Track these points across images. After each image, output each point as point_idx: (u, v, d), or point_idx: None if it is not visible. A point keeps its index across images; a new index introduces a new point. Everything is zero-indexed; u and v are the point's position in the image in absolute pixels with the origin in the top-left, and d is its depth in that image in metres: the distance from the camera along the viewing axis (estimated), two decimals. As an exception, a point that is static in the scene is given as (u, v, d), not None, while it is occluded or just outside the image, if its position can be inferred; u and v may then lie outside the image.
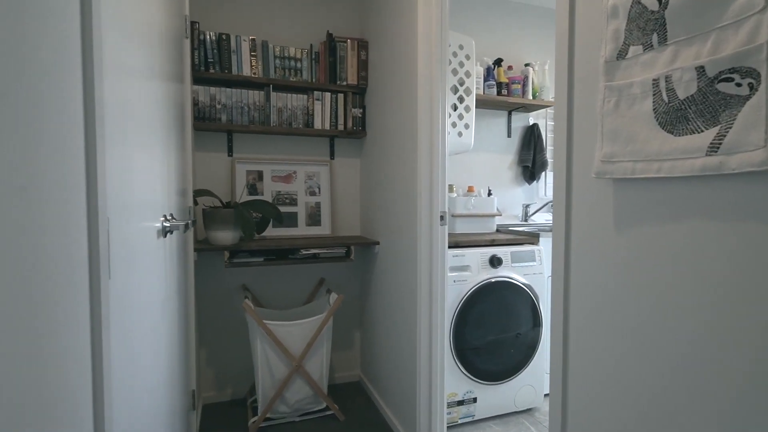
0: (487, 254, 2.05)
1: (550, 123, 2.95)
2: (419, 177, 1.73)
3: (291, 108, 2.27)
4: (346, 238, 2.36)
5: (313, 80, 2.30)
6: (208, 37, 2.10)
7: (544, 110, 2.92)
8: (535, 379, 2.17)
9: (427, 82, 1.71)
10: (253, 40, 2.19)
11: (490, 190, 2.64)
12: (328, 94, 2.32)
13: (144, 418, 0.90)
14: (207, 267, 2.25)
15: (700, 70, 0.65)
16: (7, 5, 0.40)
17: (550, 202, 2.72)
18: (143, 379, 0.91)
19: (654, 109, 0.73)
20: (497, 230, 2.61)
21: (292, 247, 2.06)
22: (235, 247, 1.96)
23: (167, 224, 1.15)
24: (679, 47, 0.69)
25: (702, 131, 0.66)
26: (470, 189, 2.62)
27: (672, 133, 0.70)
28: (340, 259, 2.17)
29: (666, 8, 0.71)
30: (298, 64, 2.28)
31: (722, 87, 0.63)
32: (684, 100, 0.68)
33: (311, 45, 2.31)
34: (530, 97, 2.66)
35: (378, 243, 2.20)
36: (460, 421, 2.05)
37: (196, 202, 2.01)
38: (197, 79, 2.13)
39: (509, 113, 2.84)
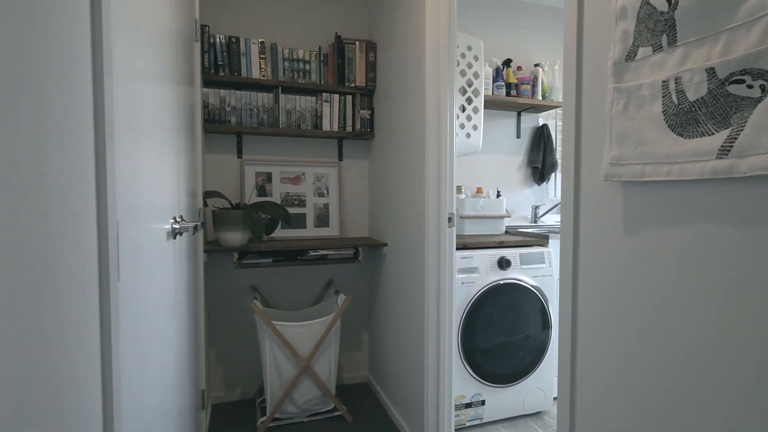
0: (495, 256, 2.04)
1: (560, 123, 2.93)
2: (427, 178, 1.73)
3: (300, 110, 2.29)
4: (355, 239, 2.37)
5: (322, 82, 2.31)
6: (218, 40, 2.12)
7: (554, 111, 2.90)
8: (545, 382, 2.15)
9: (435, 83, 1.71)
10: (263, 42, 2.20)
11: (499, 192, 2.63)
12: (336, 96, 2.33)
13: (153, 417, 0.91)
14: (216, 268, 2.27)
15: (711, 71, 0.64)
16: (19, 6, 0.41)
17: (560, 203, 2.70)
18: (152, 379, 0.92)
19: (663, 111, 0.72)
20: (506, 232, 2.59)
21: (300, 249, 2.07)
22: (244, 248, 1.98)
23: (177, 226, 1.16)
24: (689, 48, 0.68)
25: (712, 134, 0.65)
26: (479, 190, 2.61)
27: (682, 136, 0.69)
28: (348, 260, 2.17)
29: (676, 9, 0.70)
30: (307, 66, 2.29)
31: (733, 89, 0.61)
32: (694, 102, 0.67)
33: (320, 47, 2.32)
34: (540, 98, 2.64)
35: (386, 244, 2.20)
36: (468, 424, 2.04)
37: (205, 204, 2.03)
38: (207, 82, 2.15)
39: (518, 114, 2.82)
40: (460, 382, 1.98)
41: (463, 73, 2.01)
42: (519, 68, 2.69)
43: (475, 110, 2.03)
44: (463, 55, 2.01)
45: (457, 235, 1.80)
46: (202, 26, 2.06)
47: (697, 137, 0.67)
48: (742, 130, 0.60)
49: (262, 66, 2.21)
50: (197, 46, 1.89)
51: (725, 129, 0.63)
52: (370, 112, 2.39)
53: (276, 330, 1.96)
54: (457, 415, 2.00)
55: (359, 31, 2.49)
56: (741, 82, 0.60)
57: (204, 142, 2.21)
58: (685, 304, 0.72)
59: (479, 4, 2.69)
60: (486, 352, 2.02)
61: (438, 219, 1.74)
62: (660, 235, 0.76)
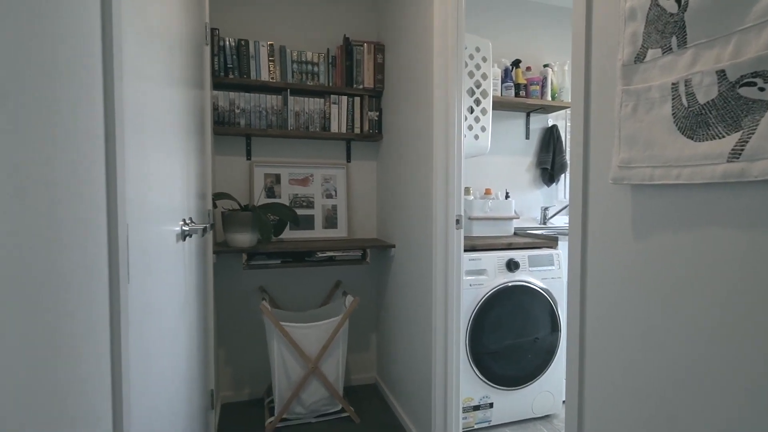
0: (504, 258, 2.03)
1: (570, 124, 2.90)
2: (435, 180, 1.73)
3: (308, 112, 2.30)
4: (363, 240, 2.38)
5: (330, 84, 2.32)
6: (227, 43, 2.14)
7: (563, 111, 2.88)
8: (554, 385, 2.13)
9: (443, 84, 1.70)
10: (271, 45, 2.22)
11: (507, 193, 2.62)
12: (344, 98, 2.34)
13: (163, 417, 0.93)
14: (226, 268, 2.29)
15: (721, 74, 0.63)
16: (29, 7, 0.42)
17: (568, 205, 2.68)
18: (162, 379, 0.93)
19: (673, 114, 0.71)
20: (515, 233, 2.58)
21: (308, 250, 2.08)
22: (253, 249, 1.99)
23: (186, 228, 1.18)
24: (699, 50, 0.67)
25: (723, 137, 0.64)
26: (487, 191, 2.60)
27: (692, 139, 0.68)
28: (356, 261, 2.18)
29: (685, 11, 0.69)
30: (316, 69, 2.30)
31: (744, 91, 0.61)
32: (704, 104, 0.66)
33: (328, 49, 2.33)
34: (549, 98, 2.62)
35: (394, 246, 2.20)
36: (476, 426, 2.03)
37: (215, 205, 2.05)
38: (217, 85, 2.18)
39: (527, 115, 2.80)
40: (468, 384, 1.98)
41: (471, 75, 2.01)
42: (528, 69, 2.68)
43: (484, 112, 2.02)
44: (471, 57, 2.00)
45: (465, 237, 1.80)
46: (212, 29, 2.09)
47: (707, 140, 0.66)
48: (753, 133, 0.59)
49: (271, 68, 2.23)
50: (207, 49, 1.91)
51: (736, 132, 0.62)
52: (378, 113, 2.40)
53: (284, 331, 1.97)
54: (464, 418, 1.99)
55: (367, 33, 2.50)
56: (752, 84, 0.59)
57: (213, 144, 2.23)
58: (693, 306, 0.71)
59: (488, 4, 2.68)
60: (494, 354, 2.01)
61: (446, 221, 1.74)
62: (669, 238, 0.75)
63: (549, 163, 2.77)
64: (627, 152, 0.80)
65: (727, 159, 0.63)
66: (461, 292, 1.76)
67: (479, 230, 2.49)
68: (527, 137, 2.81)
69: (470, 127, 2.03)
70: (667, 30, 0.72)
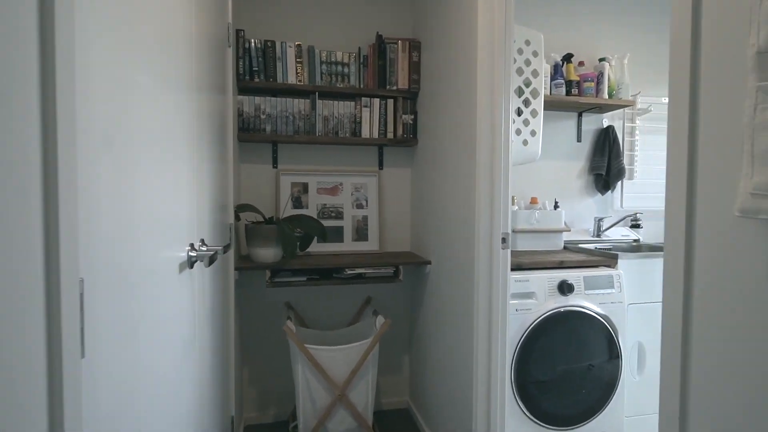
0: (555, 279, 1.78)
1: (628, 124, 2.59)
2: (478, 192, 1.51)
3: (337, 116, 2.14)
4: (395, 255, 2.19)
5: (361, 86, 2.15)
6: (252, 44, 2.01)
7: (621, 110, 2.57)
8: (613, 425, 1.86)
9: (488, 83, 1.49)
10: (299, 45, 2.07)
11: (556, 202, 2.35)
12: (376, 101, 2.16)
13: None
14: (250, 284, 2.16)
15: None
16: None
17: (628, 215, 2.38)
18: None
19: None
20: (565, 247, 2.31)
21: (336, 266, 1.92)
22: (277, 265, 1.85)
23: (194, 254, 1.03)
24: None
25: None
26: (533, 201, 2.35)
27: None
28: (387, 279, 1.99)
29: None
30: (346, 69, 2.14)
31: None
32: None
33: (359, 48, 2.16)
34: (605, 96, 2.33)
35: (429, 262, 2.00)
36: (521, 469, 1.80)
37: (238, 218, 1.93)
38: (242, 89, 2.05)
39: (579, 115, 2.52)
40: (512, 420, 1.75)
41: (519, 72, 1.77)
42: (581, 64, 2.40)
43: (534, 113, 1.79)
44: (520, 51, 1.77)
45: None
46: (237, 31, 1.96)
47: None
48: None
49: (299, 70, 2.08)
50: (230, 51, 1.78)
51: None
52: (413, 116, 2.20)
53: (309, 354, 1.81)
54: (509, 459, 1.76)
55: (402, 30, 2.31)
56: None
57: (238, 152, 2.11)
58: None
59: (535, -6, 2.43)
60: (543, 385, 1.76)
61: (490, 239, 1.53)
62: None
63: (604, 168, 2.48)
64: (764, 174, 0.57)
65: None
66: (507, 319, 1.54)
67: (525, 244, 2.25)
68: (579, 140, 2.53)
69: (518, 132, 1.80)
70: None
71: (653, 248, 2.35)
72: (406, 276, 2.34)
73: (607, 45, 2.54)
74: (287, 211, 2.17)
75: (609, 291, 1.83)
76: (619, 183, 2.58)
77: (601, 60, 2.37)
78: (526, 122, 1.79)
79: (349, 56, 2.14)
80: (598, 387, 1.83)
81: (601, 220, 2.48)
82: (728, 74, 0.65)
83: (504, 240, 1.52)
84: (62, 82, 0.46)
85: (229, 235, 1.70)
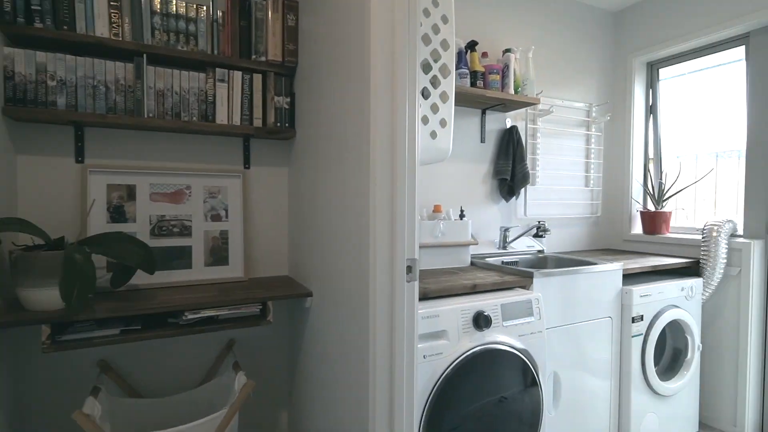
0: (469, 311, 1.41)
1: (531, 126, 2.40)
2: (373, 202, 1.06)
3: (180, 91, 1.51)
4: (267, 283, 1.63)
5: (215, 52, 1.56)
6: (30, -31, 1.29)
7: (523, 110, 2.37)
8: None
9: (386, 52, 1.04)
10: (115, -18, 1.41)
11: (462, 211, 2.03)
12: (238, 74, 1.59)
13: None
14: (27, 347, 1.42)
15: None
16: None
17: (535, 225, 2.16)
18: None
19: None
20: (472, 263, 2.00)
21: (170, 309, 1.30)
22: (64, 317, 1.17)
23: None
24: None
25: None
26: (437, 209, 2.00)
27: None
28: (251, 321, 1.43)
29: None
30: (192, 27, 1.53)
31: None
32: None
33: (212, 1, 1.57)
34: (511, 91, 2.08)
35: (310, 294, 1.50)
36: None
37: (-3, 240, 1.20)
38: (13, 38, 1.32)
39: (483, 112, 2.25)
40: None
41: (426, 40, 1.36)
42: (484, 55, 2.12)
43: (444, 98, 1.39)
44: (426, 13, 1.36)
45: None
46: (-2, -58, 1.23)
47: None
48: None
49: (115, 19, 1.41)
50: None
51: None
52: (289, 99, 1.68)
53: (123, 450, 1.18)
54: None
55: (275, -13, 1.77)
56: None
57: (13, 136, 1.36)
58: None
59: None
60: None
61: (390, 268, 1.08)
62: None
63: (509, 172, 2.23)
64: None
65: None
66: (415, 374, 1.12)
67: (428, 261, 1.88)
68: (483, 140, 2.26)
69: (425, 120, 1.38)
70: None
71: (562, 261, 2.17)
72: (282, 311, 1.79)
73: (512, 36, 2.32)
74: (101, 227, 1.47)
75: (528, 320, 1.52)
76: (523, 189, 2.37)
77: (506, 51, 2.11)
78: (434, 108, 1.38)
79: (198, 10, 1.53)
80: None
81: (507, 230, 2.23)
82: None
83: (410, 269, 1.09)
84: None
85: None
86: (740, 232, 2.16)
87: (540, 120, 2.43)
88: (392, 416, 1.12)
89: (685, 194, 2.47)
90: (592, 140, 2.63)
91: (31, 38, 1.33)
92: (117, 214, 1.51)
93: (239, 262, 1.66)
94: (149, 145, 1.58)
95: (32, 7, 1.31)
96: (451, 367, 1.34)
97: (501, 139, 2.29)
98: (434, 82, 1.36)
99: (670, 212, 2.44)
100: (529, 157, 2.39)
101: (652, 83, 2.60)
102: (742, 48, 2.18)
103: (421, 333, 1.31)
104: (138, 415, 1.44)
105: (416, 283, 1.10)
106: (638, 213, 2.58)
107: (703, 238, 2.14)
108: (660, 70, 2.57)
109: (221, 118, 1.56)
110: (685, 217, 2.52)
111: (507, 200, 2.31)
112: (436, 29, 1.35)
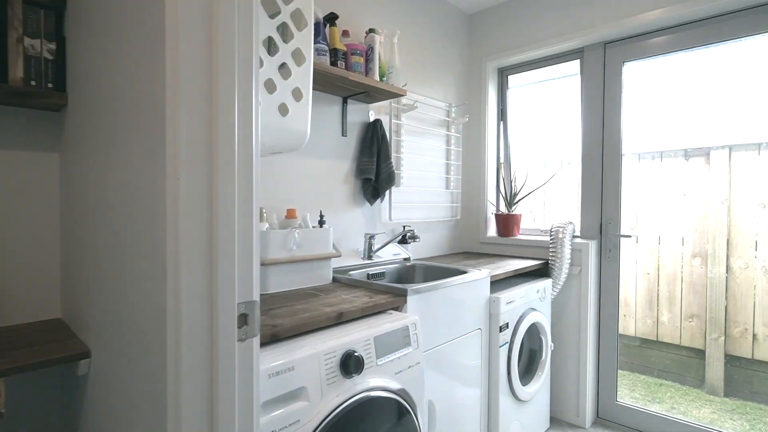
0: (335, 352, 1.06)
1: (395, 121, 2.18)
2: (174, 211, 0.62)
3: None
4: (9, 336, 1.01)
5: None
6: None
7: (387, 103, 2.13)
8: None
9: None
10: None
11: (322, 216, 1.67)
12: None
13: None
14: None
15: None
16: None
17: (402, 233, 1.94)
18: None
19: None
20: (334, 279, 1.66)
21: None
22: None
23: None
24: None
25: None
26: (290, 214, 1.60)
27: None
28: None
29: None
30: None
31: None
32: None
33: None
34: (377, 77, 1.81)
35: (87, 355, 0.95)
36: None
37: None
38: None
39: (344, 101, 1.93)
40: None
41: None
42: (345, 33, 1.80)
43: (298, 58, 0.99)
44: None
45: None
46: None
47: None
48: None
49: None
50: None
51: None
52: (55, 45, 1.07)
53: None
54: None
55: None
56: None
57: None
58: None
59: None
60: None
61: (210, 321, 0.65)
62: None
63: (373, 172, 1.96)
64: None
65: None
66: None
67: (279, 283, 1.47)
68: (344, 133, 1.94)
69: (270, 86, 0.95)
70: None
71: (431, 271, 1.98)
72: (33, 389, 1.16)
73: (376, 15, 2.06)
74: None
75: (405, 351, 1.24)
76: (388, 192, 2.14)
77: (370, 32, 1.83)
78: (285, 71, 0.97)
79: None
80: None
81: (372, 237, 1.95)
82: None
83: (244, 320, 0.68)
84: None
85: None
86: (578, 233, 2.30)
87: (404, 116, 2.23)
88: None
89: (535, 198, 2.57)
90: (452, 141, 2.56)
91: None
92: None
93: (-48, 309, 0.99)
94: None
95: None
96: (312, 436, 0.97)
97: (365, 133, 2.01)
98: (284, 32, 0.95)
99: (521, 215, 2.51)
100: (393, 155, 2.17)
101: (502, 89, 2.66)
102: (578, 62, 2.33)
103: (268, 399, 0.90)
104: None
105: (256, 340, 0.70)
106: (493, 216, 2.61)
107: (551, 239, 2.21)
108: (509, 77, 2.64)
109: None
110: (532, 219, 2.63)
111: (371, 203, 2.04)
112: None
